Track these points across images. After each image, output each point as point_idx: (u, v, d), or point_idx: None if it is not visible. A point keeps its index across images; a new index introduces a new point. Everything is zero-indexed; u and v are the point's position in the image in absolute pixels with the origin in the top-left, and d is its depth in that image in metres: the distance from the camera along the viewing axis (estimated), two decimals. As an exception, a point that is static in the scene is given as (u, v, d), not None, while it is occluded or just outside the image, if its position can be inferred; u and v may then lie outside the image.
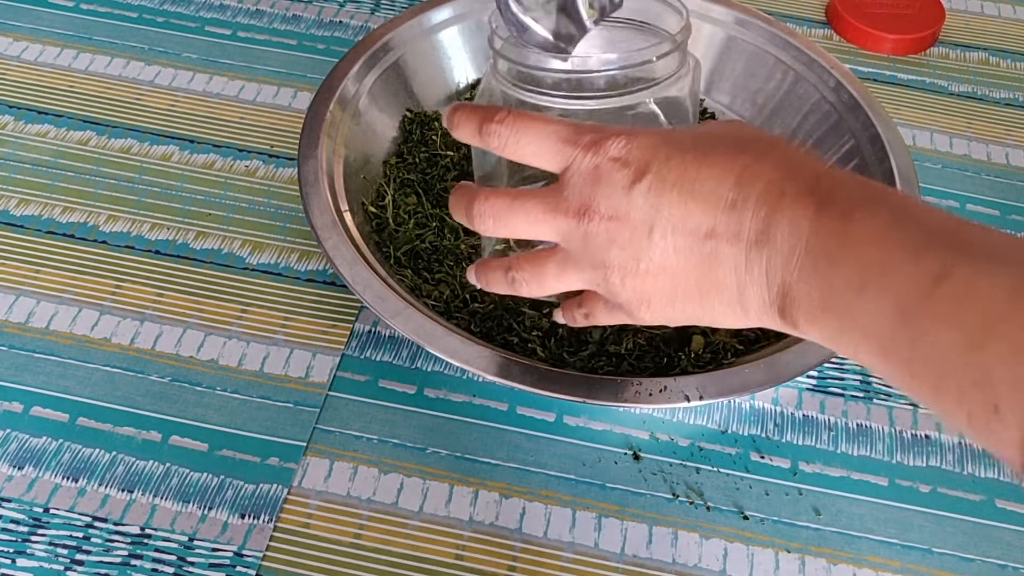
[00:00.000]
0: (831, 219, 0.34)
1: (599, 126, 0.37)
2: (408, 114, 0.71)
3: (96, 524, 0.52)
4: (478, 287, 0.47)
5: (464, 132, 0.40)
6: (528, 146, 0.38)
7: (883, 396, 0.61)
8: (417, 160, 0.68)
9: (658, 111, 0.43)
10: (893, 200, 0.34)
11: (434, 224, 0.63)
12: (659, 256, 0.36)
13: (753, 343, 0.59)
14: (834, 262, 0.33)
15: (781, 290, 0.35)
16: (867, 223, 0.33)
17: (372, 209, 0.64)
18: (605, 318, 0.43)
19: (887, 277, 0.32)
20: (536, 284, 0.42)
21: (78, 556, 0.51)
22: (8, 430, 0.56)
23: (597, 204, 0.36)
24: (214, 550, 0.52)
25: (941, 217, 0.34)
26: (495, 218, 0.40)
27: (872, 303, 0.32)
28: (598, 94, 0.40)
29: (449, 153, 0.68)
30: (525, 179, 0.50)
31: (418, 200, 0.65)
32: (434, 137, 0.69)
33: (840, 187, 0.35)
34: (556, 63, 0.41)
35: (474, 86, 0.74)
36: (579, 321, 0.46)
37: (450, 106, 0.42)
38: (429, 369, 0.60)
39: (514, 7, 0.40)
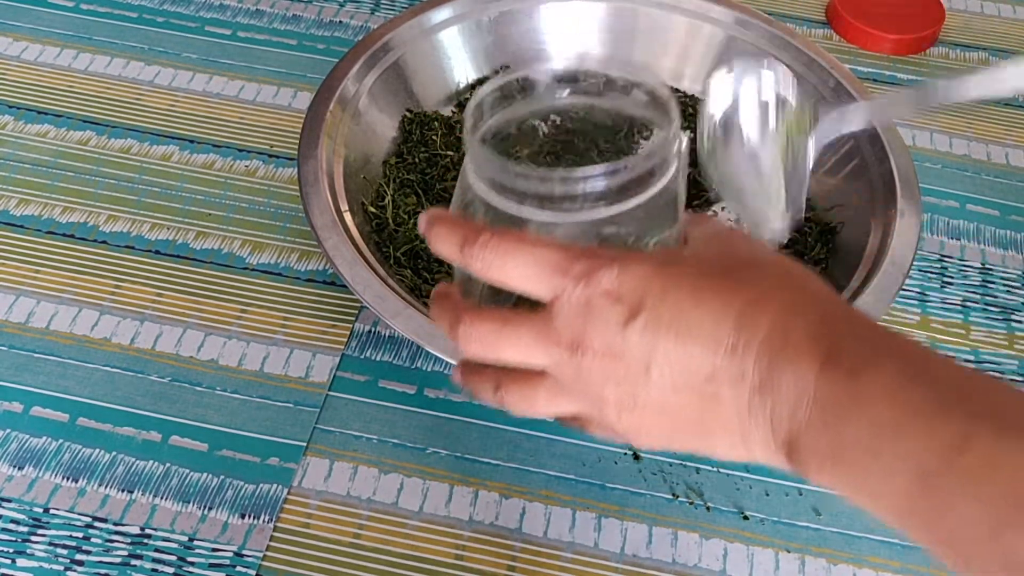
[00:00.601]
0: (839, 373, 0.32)
1: (589, 251, 0.35)
2: (408, 114, 0.71)
3: (96, 524, 0.52)
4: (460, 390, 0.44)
5: (442, 249, 0.37)
6: (513, 272, 0.35)
7: (883, 396, 0.61)
8: (417, 160, 0.68)
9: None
10: (904, 351, 0.33)
11: None
12: (657, 394, 0.34)
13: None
14: (844, 419, 0.32)
15: (787, 438, 0.33)
16: (877, 380, 0.32)
17: (372, 209, 0.65)
18: (602, 436, 0.40)
19: (903, 441, 0.31)
20: (526, 406, 0.39)
21: (78, 556, 0.51)
22: (8, 430, 0.56)
23: (591, 340, 0.34)
24: (214, 550, 0.52)
25: (955, 372, 0.32)
26: (481, 343, 0.37)
27: (888, 466, 0.31)
28: (582, 206, 0.36)
29: (449, 153, 0.68)
30: None
31: (418, 200, 0.65)
32: (434, 137, 0.69)
33: (847, 334, 0.33)
34: (534, 182, 0.37)
35: (474, 86, 0.75)
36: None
37: (426, 215, 0.38)
38: (429, 369, 0.60)
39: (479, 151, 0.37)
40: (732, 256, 0.37)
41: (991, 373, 0.63)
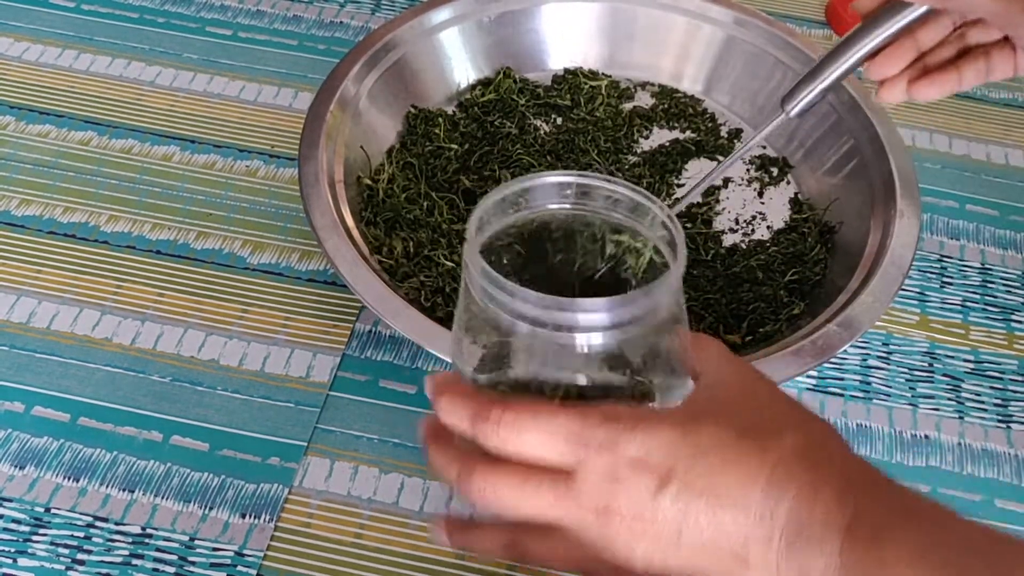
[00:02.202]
0: (863, 539, 0.33)
1: (606, 415, 0.35)
2: (412, 110, 0.72)
3: (97, 524, 0.52)
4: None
5: (452, 422, 0.37)
6: (531, 446, 0.35)
7: (883, 396, 0.61)
8: (421, 152, 0.69)
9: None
10: (926, 514, 0.34)
11: (425, 203, 0.64)
12: (687, 553, 0.35)
13: (753, 343, 0.59)
14: None
15: None
16: (902, 546, 0.32)
17: (367, 181, 0.65)
18: None
19: None
20: (545, 562, 0.39)
21: (79, 556, 0.51)
22: (9, 430, 0.56)
23: (619, 506, 0.34)
24: (215, 550, 0.52)
25: (977, 534, 0.33)
26: (498, 500, 0.36)
27: None
28: (590, 327, 0.36)
29: (452, 147, 0.69)
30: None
31: (416, 180, 0.66)
32: (437, 131, 0.70)
33: (870, 497, 0.34)
34: (531, 306, 0.36)
35: (474, 87, 0.75)
36: None
37: (432, 382, 0.38)
38: (430, 369, 0.60)
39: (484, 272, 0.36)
40: (751, 400, 0.37)
41: (991, 374, 0.63)
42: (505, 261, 0.41)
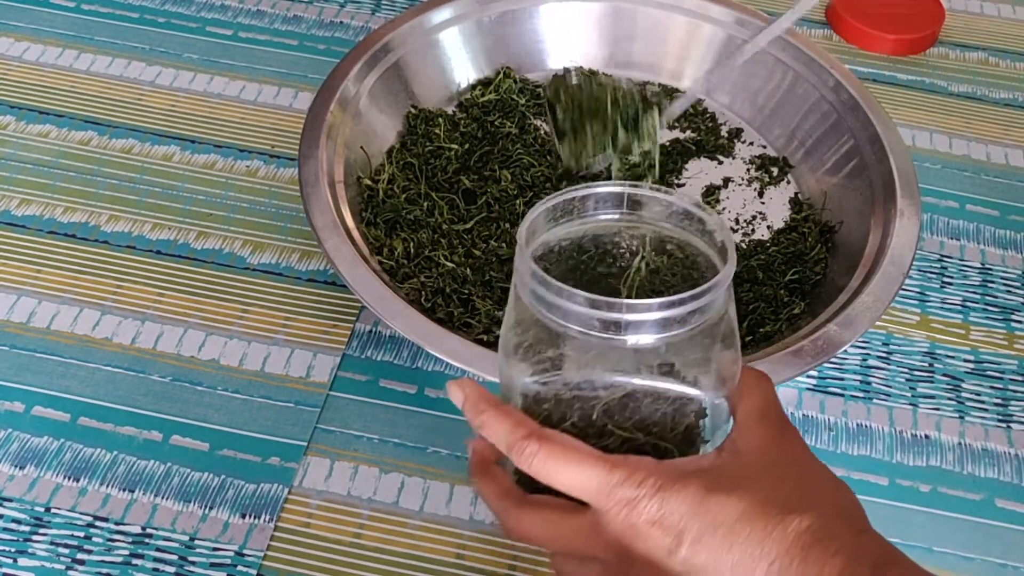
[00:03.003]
0: None
1: (632, 470, 0.37)
2: (412, 110, 0.72)
3: (97, 524, 0.52)
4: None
5: (492, 440, 0.40)
6: (559, 482, 0.38)
7: (883, 396, 0.61)
8: (421, 152, 0.69)
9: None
10: None
11: (425, 204, 0.64)
12: None
13: (753, 343, 0.59)
14: None
15: None
16: None
17: (367, 181, 0.65)
18: None
19: None
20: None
21: (79, 555, 0.51)
22: (10, 430, 0.56)
23: (637, 555, 0.37)
24: (215, 550, 0.52)
25: None
26: (531, 537, 0.40)
27: None
28: (638, 327, 0.37)
29: (453, 147, 0.69)
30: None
31: (416, 180, 0.66)
32: (437, 132, 0.70)
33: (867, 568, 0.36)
34: (580, 305, 0.37)
35: (474, 87, 0.75)
36: None
37: (462, 395, 0.41)
38: (430, 369, 0.60)
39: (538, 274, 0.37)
40: (776, 469, 0.39)
41: (991, 374, 0.63)
42: (554, 273, 0.42)
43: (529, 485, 0.40)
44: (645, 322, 0.36)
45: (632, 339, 0.37)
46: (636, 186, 0.42)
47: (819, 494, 0.38)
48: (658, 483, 0.37)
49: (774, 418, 0.40)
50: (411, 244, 0.62)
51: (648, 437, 0.40)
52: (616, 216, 0.42)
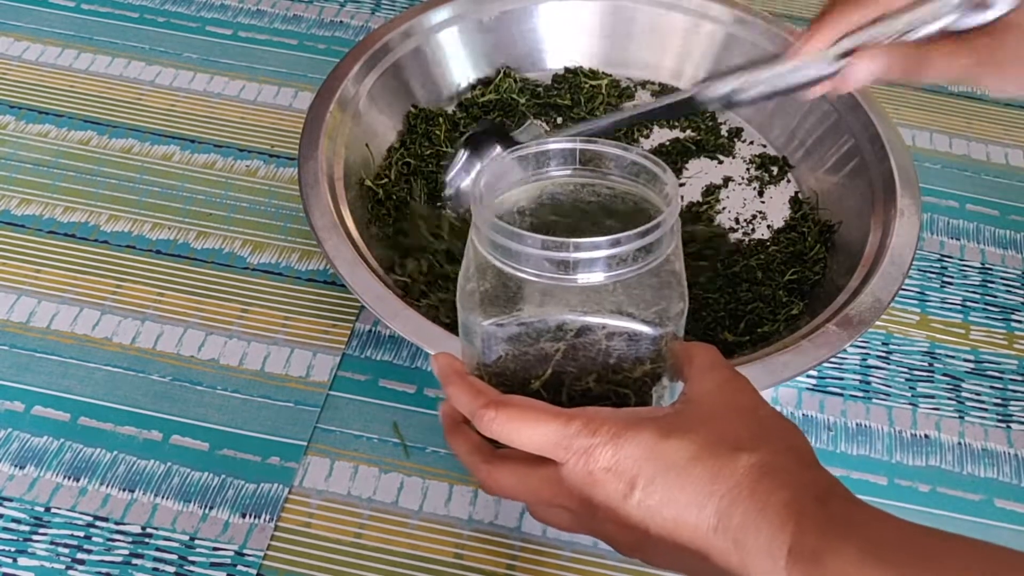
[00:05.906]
0: (803, 559, 0.35)
1: (588, 422, 0.38)
2: (413, 110, 0.72)
3: (97, 523, 0.52)
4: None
5: (458, 407, 0.42)
6: (519, 442, 0.40)
7: (882, 396, 0.61)
8: (421, 152, 0.69)
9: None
10: (868, 531, 0.36)
11: (437, 226, 0.64)
12: (662, 548, 0.39)
13: (751, 343, 0.59)
14: None
15: None
16: (839, 563, 0.35)
17: (369, 183, 0.65)
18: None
19: None
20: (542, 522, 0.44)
21: (79, 555, 0.51)
22: (9, 429, 0.56)
23: (598, 503, 0.39)
24: (215, 549, 0.52)
25: (910, 533, 0.36)
26: (502, 489, 0.42)
27: None
28: (579, 272, 0.39)
29: (452, 149, 0.69)
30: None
31: (416, 183, 0.66)
32: (437, 132, 0.70)
33: (813, 518, 0.36)
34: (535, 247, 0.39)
35: (474, 86, 0.75)
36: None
37: (438, 363, 0.44)
38: (429, 369, 0.60)
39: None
40: (727, 414, 0.40)
41: (991, 374, 0.63)
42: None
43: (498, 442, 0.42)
44: (593, 260, 0.38)
45: (583, 277, 0.39)
46: (590, 141, 0.43)
47: (769, 434, 0.39)
48: (612, 430, 0.38)
49: (724, 369, 0.42)
50: (423, 263, 0.61)
51: (608, 386, 0.42)
52: (569, 171, 0.44)
